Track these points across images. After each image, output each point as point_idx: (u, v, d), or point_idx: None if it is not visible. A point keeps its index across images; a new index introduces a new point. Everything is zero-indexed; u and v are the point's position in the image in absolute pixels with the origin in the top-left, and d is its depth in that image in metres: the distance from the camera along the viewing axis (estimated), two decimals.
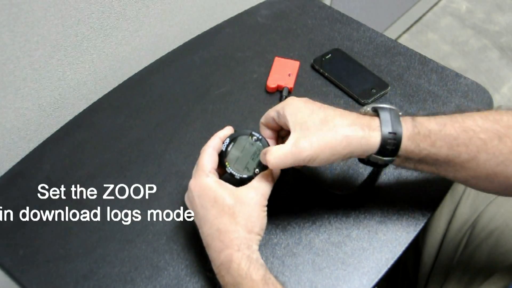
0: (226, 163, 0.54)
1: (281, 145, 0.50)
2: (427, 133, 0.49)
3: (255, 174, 0.54)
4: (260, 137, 0.55)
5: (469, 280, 0.68)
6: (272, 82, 0.74)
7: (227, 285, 0.48)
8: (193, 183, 0.52)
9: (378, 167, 0.53)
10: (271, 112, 0.54)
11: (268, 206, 0.61)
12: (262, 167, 0.54)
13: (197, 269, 0.55)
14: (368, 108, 0.53)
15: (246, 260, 0.48)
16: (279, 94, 0.74)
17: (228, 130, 0.55)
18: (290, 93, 0.74)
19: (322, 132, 0.49)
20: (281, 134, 0.57)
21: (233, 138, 0.55)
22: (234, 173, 0.54)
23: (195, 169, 0.53)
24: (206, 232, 0.50)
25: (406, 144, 0.49)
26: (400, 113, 0.51)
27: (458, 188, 0.74)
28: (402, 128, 0.49)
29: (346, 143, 0.49)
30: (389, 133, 0.49)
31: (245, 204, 0.51)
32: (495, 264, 0.67)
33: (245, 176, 0.54)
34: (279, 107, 0.53)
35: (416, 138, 0.49)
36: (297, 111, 0.51)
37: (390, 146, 0.49)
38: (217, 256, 0.49)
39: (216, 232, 0.49)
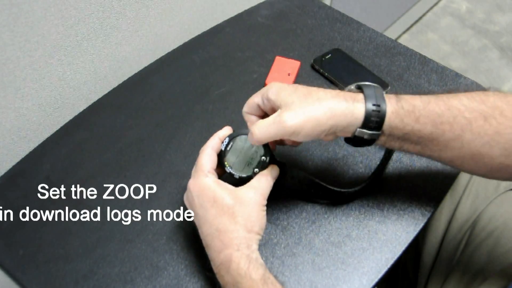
0: (225, 163, 0.54)
1: (264, 119, 0.50)
2: (411, 108, 0.50)
3: (254, 174, 0.54)
4: None
5: (469, 280, 0.68)
6: (270, 81, 0.75)
7: (226, 284, 0.48)
8: (192, 183, 0.52)
9: (363, 145, 0.52)
10: (255, 98, 0.54)
11: (268, 206, 0.61)
12: (262, 166, 0.54)
13: (197, 269, 0.55)
14: (352, 86, 0.54)
15: (246, 260, 0.48)
16: None
17: (227, 130, 0.56)
18: None
19: (306, 103, 0.49)
20: None
21: (232, 138, 0.55)
22: (233, 172, 0.54)
23: (194, 169, 0.53)
24: (206, 232, 0.50)
25: (390, 117, 0.49)
26: (384, 92, 0.52)
27: (458, 188, 0.74)
28: (386, 103, 0.50)
29: (330, 114, 0.49)
30: (373, 105, 0.49)
31: (244, 204, 0.51)
32: (495, 264, 0.67)
33: (244, 175, 0.54)
34: (262, 91, 0.53)
35: (400, 113, 0.50)
36: (280, 90, 0.51)
37: (374, 118, 0.49)
38: (216, 256, 0.49)
39: (215, 232, 0.49)
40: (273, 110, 0.52)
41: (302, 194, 0.62)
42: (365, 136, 0.50)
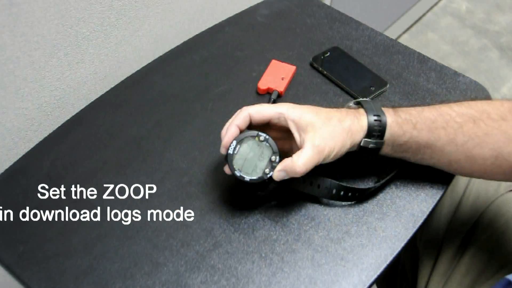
0: (234, 166, 0.54)
1: (300, 151, 0.53)
2: (407, 116, 0.55)
3: (265, 174, 0.54)
4: (267, 137, 0.55)
5: (471, 281, 0.68)
6: (263, 84, 0.74)
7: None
8: None
9: (368, 155, 0.56)
10: (265, 113, 0.55)
11: (267, 202, 0.61)
12: (272, 167, 0.54)
13: (196, 265, 0.55)
14: (351, 103, 0.60)
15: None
16: (269, 96, 0.74)
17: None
18: (280, 97, 0.74)
19: (331, 128, 0.53)
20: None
21: (239, 141, 0.55)
22: (243, 175, 0.54)
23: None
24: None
25: (391, 126, 0.55)
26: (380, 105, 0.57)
27: (458, 189, 0.74)
28: (385, 115, 0.55)
29: (350, 133, 0.54)
30: (374, 115, 0.55)
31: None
32: (497, 265, 0.67)
33: (254, 177, 0.54)
34: (281, 109, 0.55)
35: (398, 121, 0.55)
36: (302, 113, 0.54)
37: (377, 127, 0.54)
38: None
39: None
40: (281, 129, 0.56)
41: (327, 197, 0.61)
42: (370, 146, 0.55)
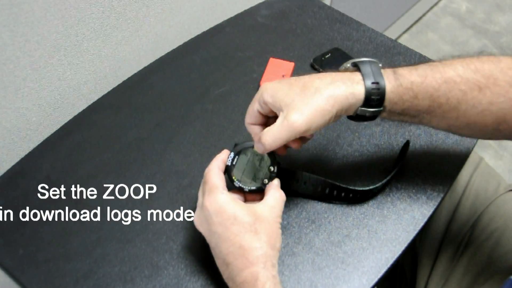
0: (233, 177, 0.55)
1: (271, 126, 0.50)
2: (409, 85, 0.50)
3: (263, 185, 0.54)
4: None
5: (470, 281, 0.68)
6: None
7: None
8: (208, 202, 0.50)
9: (366, 120, 0.53)
10: (254, 106, 0.53)
11: None
12: (270, 176, 0.54)
13: (197, 268, 0.55)
14: (348, 64, 0.54)
15: (272, 281, 0.47)
16: None
17: (226, 153, 0.55)
18: None
19: (307, 98, 0.49)
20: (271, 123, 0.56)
21: (237, 152, 0.55)
22: (242, 186, 0.54)
23: (206, 188, 0.52)
24: (226, 250, 0.48)
25: (389, 95, 0.50)
26: (380, 65, 0.52)
27: (458, 189, 0.74)
28: (384, 80, 0.50)
29: (333, 101, 0.49)
30: (372, 83, 0.49)
31: (264, 221, 0.50)
32: (496, 265, 0.67)
33: (253, 187, 0.55)
34: (257, 97, 0.53)
35: (398, 91, 0.50)
36: (276, 91, 0.51)
37: (375, 96, 0.49)
38: (238, 273, 0.48)
39: (238, 250, 0.48)
40: (273, 112, 0.52)
41: (317, 197, 0.61)
42: (367, 114, 0.51)
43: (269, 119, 0.55)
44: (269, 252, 0.48)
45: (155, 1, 0.80)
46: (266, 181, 0.54)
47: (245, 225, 0.48)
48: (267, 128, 0.50)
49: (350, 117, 0.54)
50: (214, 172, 0.52)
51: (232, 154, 0.55)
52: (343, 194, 0.60)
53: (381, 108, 0.51)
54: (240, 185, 0.54)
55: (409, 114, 0.52)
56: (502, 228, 0.69)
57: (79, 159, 0.65)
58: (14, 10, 0.60)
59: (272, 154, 0.55)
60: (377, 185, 0.60)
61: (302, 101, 0.49)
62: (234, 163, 0.55)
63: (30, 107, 0.71)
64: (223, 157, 0.54)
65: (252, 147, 0.55)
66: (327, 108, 0.49)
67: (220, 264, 0.50)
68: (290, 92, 0.50)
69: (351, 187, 0.59)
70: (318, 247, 0.57)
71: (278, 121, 0.49)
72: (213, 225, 0.49)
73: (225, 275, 0.50)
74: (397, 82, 0.50)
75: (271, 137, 0.49)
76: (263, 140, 0.49)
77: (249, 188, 0.54)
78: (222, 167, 0.54)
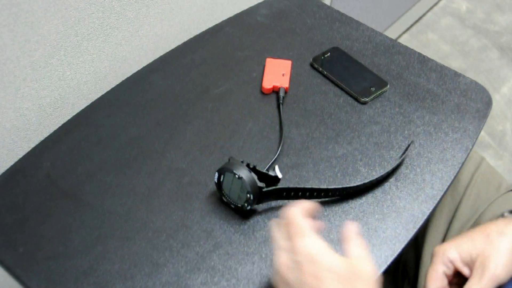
0: (223, 192, 0.59)
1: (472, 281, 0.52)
2: None
3: (245, 207, 0.58)
4: (241, 176, 0.55)
5: None
6: (267, 83, 0.74)
7: None
8: (300, 245, 0.43)
9: None
10: (438, 270, 0.56)
11: (267, 204, 0.61)
12: (248, 203, 0.57)
13: (197, 266, 0.55)
14: (505, 213, 0.61)
15: None
16: (275, 94, 0.74)
17: (310, 204, 0.49)
18: (286, 93, 0.74)
19: (496, 242, 0.54)
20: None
21: (220, 173, 0.58)
22: (229, 201, 0.59)
23: (292, 230, 0.45)
24: None
25: None
26: None
27: (459, 188, 0.74)
28: None
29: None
30: None
31: (361, 278, 0.44)
32: None
33: (239, 205, 0.58)
34: (437, 260, 0.56)
35: None
36: (457, 246, 0.55)
37: None
38: None
39: None
40: (463, 265, 0.55)
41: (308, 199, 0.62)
42: None
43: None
44: None
45: (155, 1, 0.80)
46: (246, 205, 0.57)
47: (341, 278, 0.42)
48: (473, 285, 0.52)
49: None
50: (300, 214, 0.46)
51: (216, 174, 0.58)
52: (329, 194, 0.61)
53: None
54: (228, 200, 0.59)
55: None
56: None
57: (80, 157, 0.65)
58: (14, 10, 0.61)
59: (247, 185, 0.55)
60: (355, 184, 0.61)
61: (494, 247, 0.53)
62: (221, 180, 0.58)
63: (30, 107, 0.71)
64: (307, 206, 0.49)
65: (231, 172, 0.56)
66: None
67: None
68: (476, 243, 0.54)
69: (326, 187, 0.59)
70: None
71: (484, 275, 0.52)
72: (303, 274, 0.42)
73: None
74: None
75: None
76: None
77: (235, 205, 0.59)
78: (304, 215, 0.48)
